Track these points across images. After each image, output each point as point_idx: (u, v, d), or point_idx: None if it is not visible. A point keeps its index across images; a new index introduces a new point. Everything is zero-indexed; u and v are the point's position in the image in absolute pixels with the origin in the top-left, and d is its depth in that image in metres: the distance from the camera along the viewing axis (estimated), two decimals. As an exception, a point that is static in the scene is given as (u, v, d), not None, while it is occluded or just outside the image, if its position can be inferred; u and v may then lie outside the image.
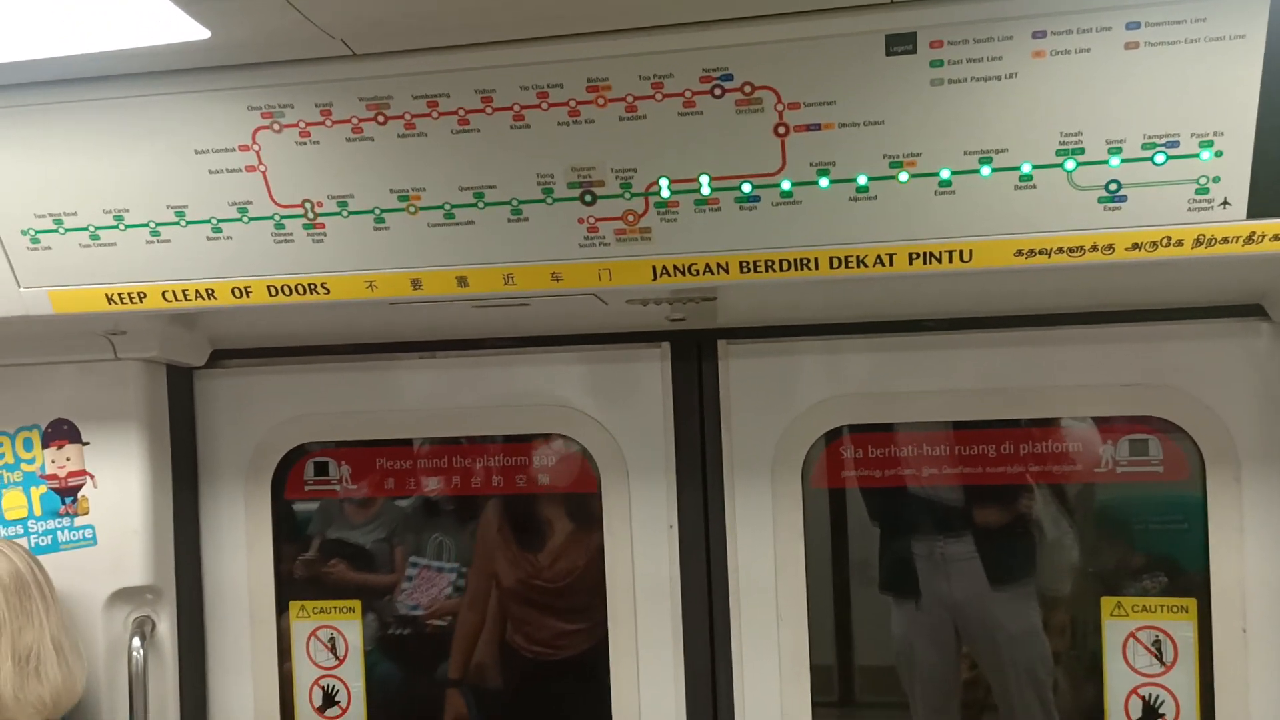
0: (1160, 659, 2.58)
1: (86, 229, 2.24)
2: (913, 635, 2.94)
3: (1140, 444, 2.60)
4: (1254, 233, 1.93)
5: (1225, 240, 1.94)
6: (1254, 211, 1.92)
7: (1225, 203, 1.92)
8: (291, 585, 3.01)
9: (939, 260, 2.05)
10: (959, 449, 2.70)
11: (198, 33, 1.88)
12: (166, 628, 2.80)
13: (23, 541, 2.71)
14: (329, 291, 2.25)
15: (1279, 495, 2.50)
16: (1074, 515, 2.74)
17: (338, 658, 2.98)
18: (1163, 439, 2.58)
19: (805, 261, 2.09)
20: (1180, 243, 1.96)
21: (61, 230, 2.25)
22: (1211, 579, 2.51)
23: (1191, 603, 2.56)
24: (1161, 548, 2.66)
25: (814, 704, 2.73)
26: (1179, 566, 2.61)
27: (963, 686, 2.93)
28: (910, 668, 2.94)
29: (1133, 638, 2.59)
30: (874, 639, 3.05)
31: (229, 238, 2.22)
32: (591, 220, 2.12)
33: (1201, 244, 1.95)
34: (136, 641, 2.73)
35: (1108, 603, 2.61)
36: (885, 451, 2.74)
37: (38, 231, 2.26)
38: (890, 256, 2.06)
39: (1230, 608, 2.51)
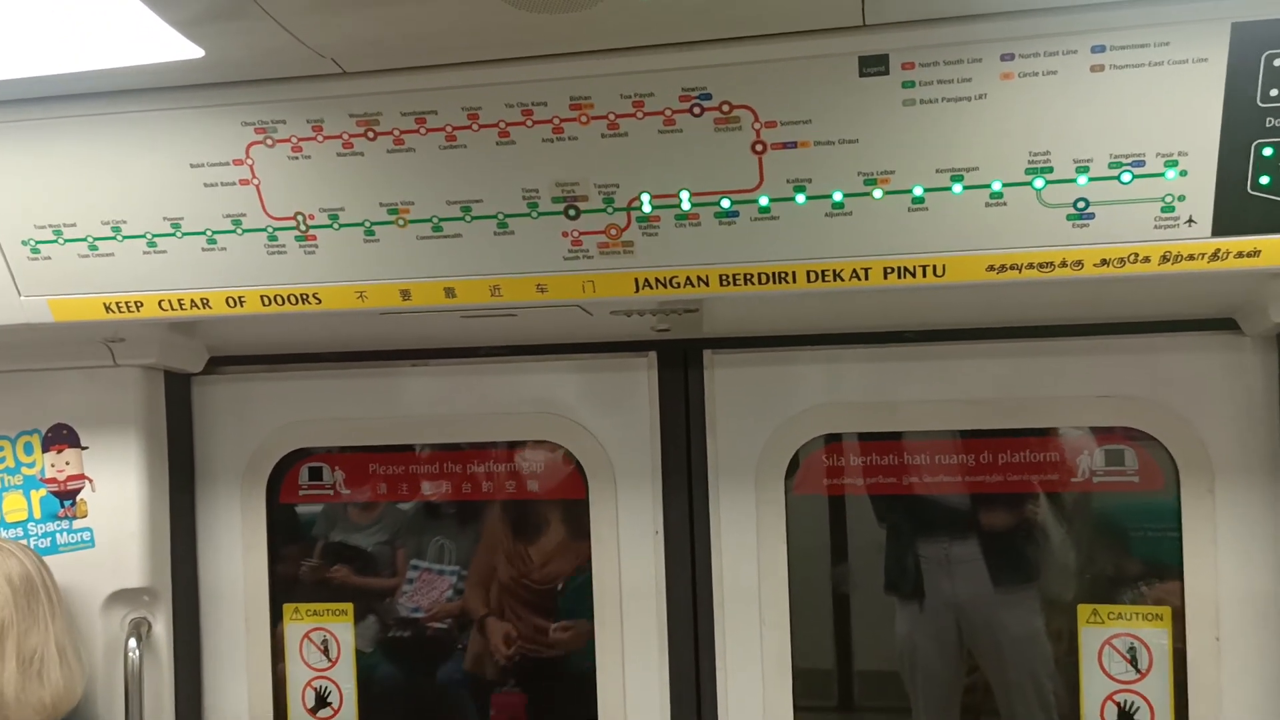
0: (1135, 666, 2.62)
1: (85, 240, 2.30)
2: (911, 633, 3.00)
3: (1116, 454, 2.64)
4: (1219, 250, 1.98)
5: (1191, 257, 1.99)
6: (1218, 229, 1.97)
7: (1190, 220, 1.97)
8: (286, 587, 3.07)
9: (913, 275, 2.10)
10: (939, 458, 2.74)
11: (192, 52, 1.94)
12: (162, 629, 2.85)
13: (23, 544, 2.77)
14: (320, 302, 2.30)
15: (1252, 506, 2.54)
16: (1051, 523, 2.78)
17: (330, 659, 3.03)
18: (1139, 450, 2.63)
19: (783, 275, 2.15)
20: (1147, 259, 2.01)
21: (61, 241, 2.31)
22: (1185, 588, 2.56)
23: (1166, 611, 2.60)
24: (1137, 556, 2.70)
25: (809, 708, 2.79)
26: (1154, 575, 2.65)
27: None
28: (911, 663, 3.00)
29: (1108, 645, 2.63)
30: (857, 643, 3.10)
31: (223, 249, 2.27)
32: (575, 234, 2.17)
33: (1168, 260, 2.00)
34: (133, 642, 2.78)
35: (1084, 610, 2.66)
36: (867, 460, 2.79)
37: (38, 242, 2.32)
38: (866, 271, 2.11)
39: (1204, 616, 2.55)
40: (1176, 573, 2.57)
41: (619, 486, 2.86)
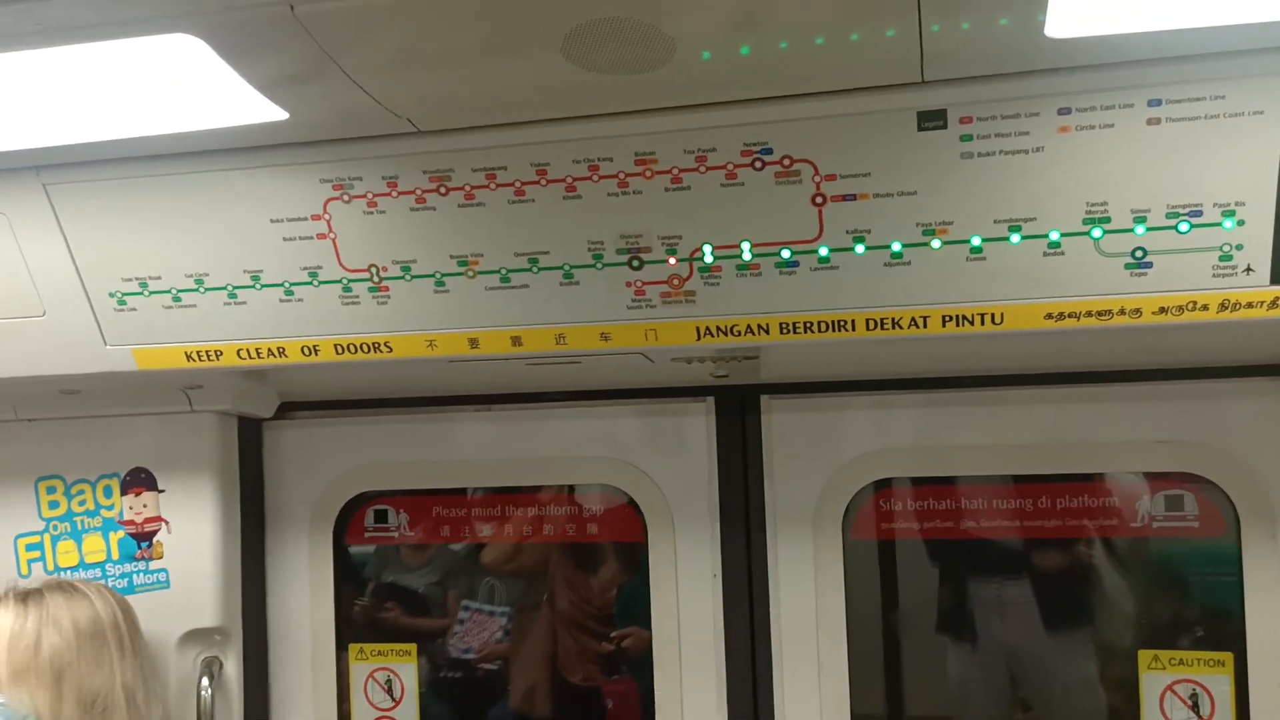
0: (1197, 712, 2.60)
1: (169, 292, 2.39)
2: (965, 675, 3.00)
3: (1176, 499, 2.64)
4: (1278, 298, 2.00)
5: (1250, 305, 2.01)
6: (1277, 278, 1.98)
7: (1249, 269, 1.99)
8: (351, 627, 3.12)
9: (971, 323, 2.13)
10: (997, 503, 2.75)
11: (277, 114, 2.03)
12: (233, 668, 2.92)
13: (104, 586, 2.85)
14: (392, 350, 2.38)
15: (1315, 551, 2.53)
16: (1111, 568, 2.77)
17: (394, 699, 3.08)
18: (1199, 495, 2.63)
19: (842, 323, 2.19)
20: (1205, 307, 2.03)
21: (146, 293, 2.40)
22: (1248, 633, 2.54)
23: (1228, 657, 2.58)
24: (1199, 602, 2.69)
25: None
26: (1216, 620, 2.63)
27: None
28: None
29: (1170, 691, 2.62)
30: (917, 688, 3.09)
31: (300, 300, 2.36)
32: (639, 284, 2.23)
33: (1226, 309, 2.02)
34: (205, 681, 2.85)
35: (1145, 655, 2.64)
36: (925, 505, 2.81)
37: (124, 294, 2.42)
38: (924, 319, 2.15)
39: (1267, 662, 2.53)
40: (1239, 618, 2.55)
41: (677, 530, 2.89)
